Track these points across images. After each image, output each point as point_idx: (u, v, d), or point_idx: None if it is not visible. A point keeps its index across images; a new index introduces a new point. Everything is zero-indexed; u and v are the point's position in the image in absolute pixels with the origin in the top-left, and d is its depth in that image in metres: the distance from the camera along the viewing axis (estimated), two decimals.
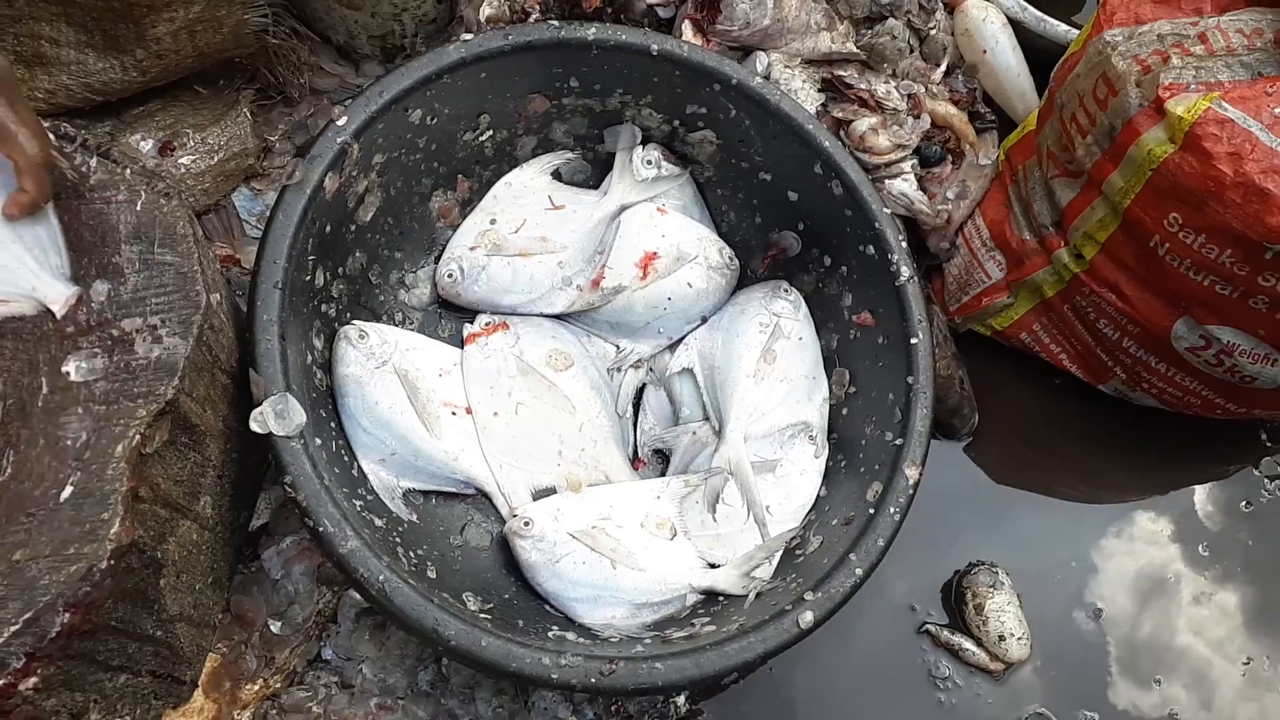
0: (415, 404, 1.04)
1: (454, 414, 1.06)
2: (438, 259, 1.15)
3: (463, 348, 1.11)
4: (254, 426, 0.86)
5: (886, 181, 1.18)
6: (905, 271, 1.05)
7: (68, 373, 0.77)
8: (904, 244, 1.07)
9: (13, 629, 0.68)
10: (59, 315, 0.80)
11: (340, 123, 0.96)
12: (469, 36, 1.02)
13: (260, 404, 0.86)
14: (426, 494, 1.05)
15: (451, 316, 1.15)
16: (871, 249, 1.07)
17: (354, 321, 1.04)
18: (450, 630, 0.85)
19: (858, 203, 1.07)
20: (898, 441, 1.01)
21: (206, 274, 0.84)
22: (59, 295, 0.80)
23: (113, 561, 0.73)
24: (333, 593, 1.01)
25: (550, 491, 1.07)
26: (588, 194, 1.18)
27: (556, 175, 1.19)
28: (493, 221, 1.14)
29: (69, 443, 0.75)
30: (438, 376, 1.07)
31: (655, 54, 1.06)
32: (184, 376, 0.79)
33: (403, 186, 1.08)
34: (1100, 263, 1.08)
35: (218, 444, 0.88)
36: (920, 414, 1.01)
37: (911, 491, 0.99)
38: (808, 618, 0.92)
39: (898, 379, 1.04)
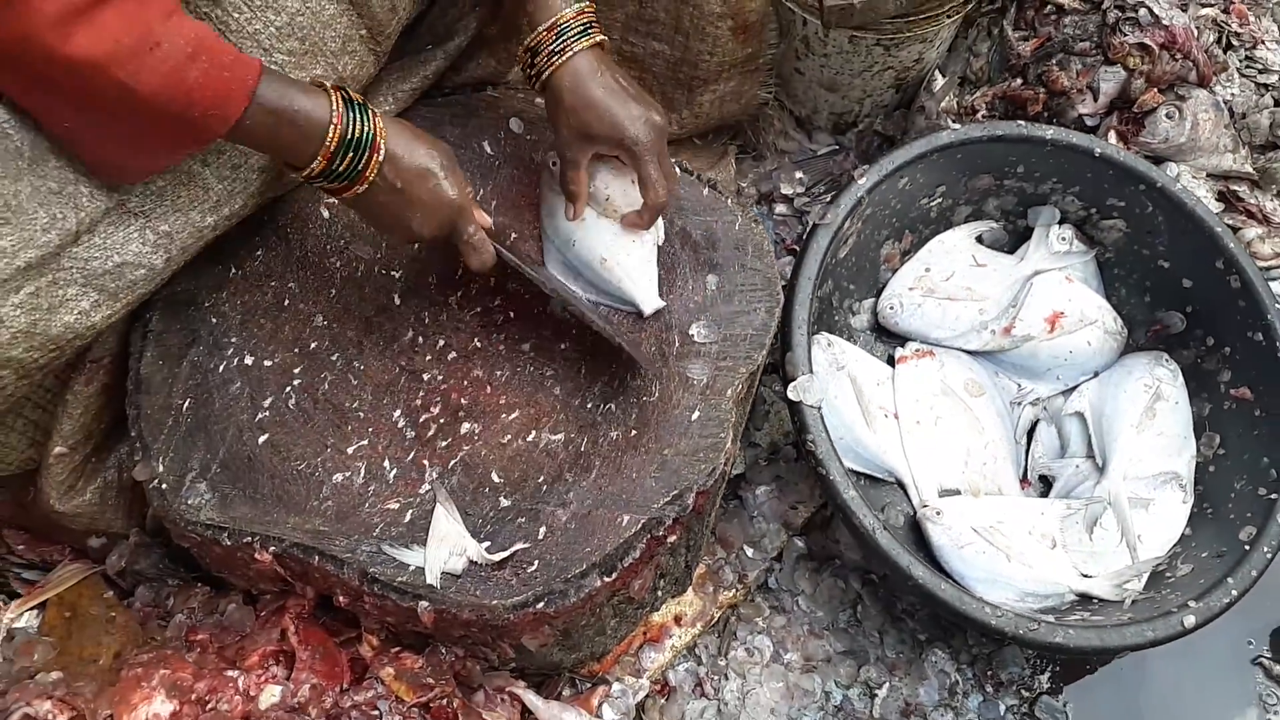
0: (860, 403, 1.32)
1: (886, 416, 1.33)
2: (878, 294, 1.43)
3: (893, 366, 1.39)
4: (791, 395, 1.16)
5: None
6: None
7: (693, 335, 1.09)
8: None
9: (666, 499, 0.99)
10: (645, 315, 1.11)
11: (861, 181, 1.26)
12: (958, 126, 1.31)
13: (795, 379, 1.16)
14: (858, 474, 1.32)
15: (883, 340, 1.43)
16: (1260, 336, 1.28)
17: (822, 332, 1.33)
18: (918, 571, 1.12)
19: (1253, 296, 1.28)
20: (1272, 496, 1.21)
21: (773, 279, 1.15)
22: (652, 304, 1.09)
23: (724, 467, 1.03)
24: (788, 535, 1.30)
25: (954, 492, 1.32)
26: (1004, 257, 1.44)
27: (978, 239, 1.46)
28: (927, 270, 1.42)
29: (695, 382, 1.07)
30: (875, 385, 1.35)
31: (1097, 155, 1.32)
32: (766, 351, 1.10)
33: (870, 235, 1.37)
34: None
35: (749, 404, 1.18)
36: None
37: None
38: (1190, 620, 1.13)
39: (1273, 446, 1.24)
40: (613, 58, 1.08)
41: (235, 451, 1.03)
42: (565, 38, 1.03)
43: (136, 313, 1.07)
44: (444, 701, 1.03)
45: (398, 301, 1.13)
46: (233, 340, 1.09)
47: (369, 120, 0.92)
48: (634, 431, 1.04)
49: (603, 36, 1.06)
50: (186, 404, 1.05)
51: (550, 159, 1.13)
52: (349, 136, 0.90)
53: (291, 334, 1.10)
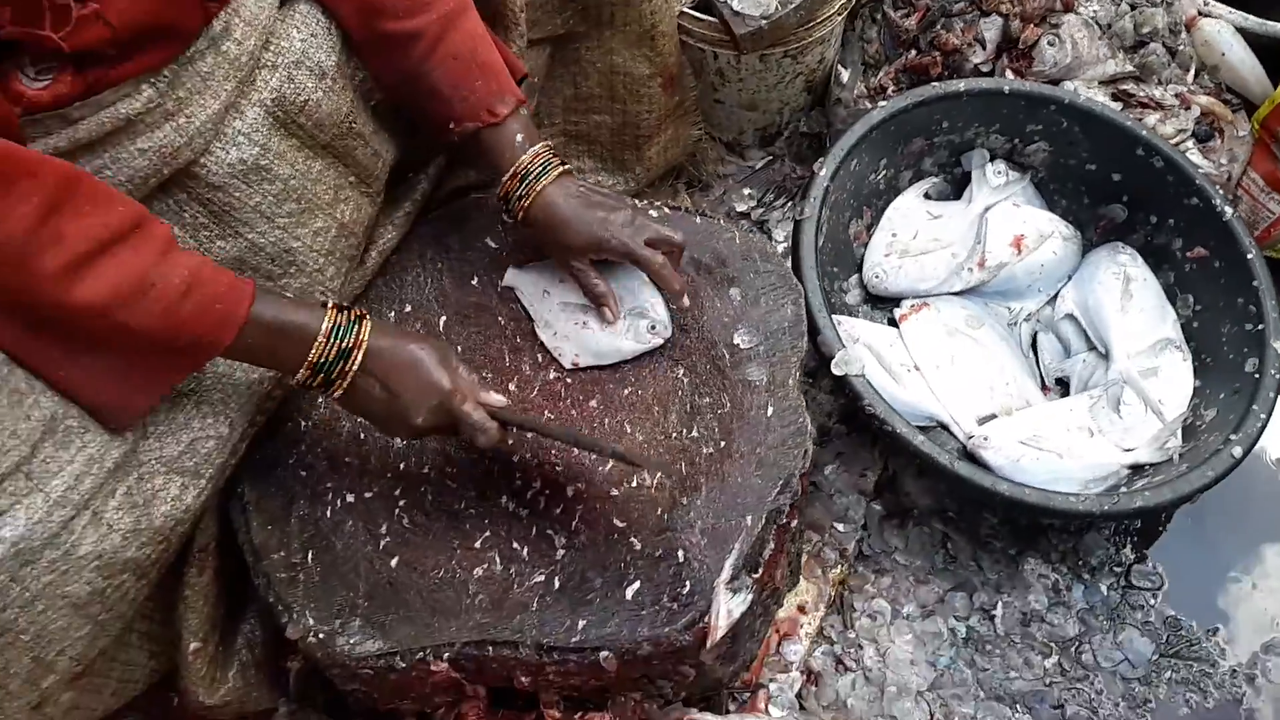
0: (884, 365, 1.43)
1: (909, 370, 1.45)
2: (859, 268, 1.56)
3: (897, 327, 1.50)
4: (835, 370, 1.26)
5: None
6: (1228, 210, 1.42)
7: (738, 344, 1.18)
8: (1220, 190, 1.44)
9: (776, 490, 1.07)
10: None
11: (821, 173, 1.39)
12: (885, 102, 1.45)
13: (834, 357, 1.26)
14: None
15: (879, 308, 1.55)
16: (1195, 199, 1.44)
17: (830, 315, 1.44)
18: (1003, 486, 1.22)
19: (1177, 169, 1.45)
20: (1260, 327, 1.35)
21: (788, 273, 1.25)
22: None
23: (810, 449, 1.12)
24: (866, 502, 1.38)
25: (991, 417, 1.44)
26: (954, 204, 1.58)
27: (926, 195, 1.60)
28: (894, 235, 1.55)
29: (757, 383, 1.15)
30: (889, 347, 1.46)
31: (1008, 92, 1.48)
32: (806, 337, 1.20)
33: (836, 219, 1.49)
34: None
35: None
36: (1271, 305, 1.36)
37: None
38: (1238, 450, 1.26)
39: (1243, 285, 1.39)
40: (578, 181, 1.17)
41: (374, 582, 1.07)
42: (528, 180, 1.13)
43: (227, 491, 1.11)
44: None
45: None
46: (329, 486, 1.14)
47: (354, 329, 0.97)
48: (723, 443, 1.12)
49: (565, 168, 1.16)
50: (310, 556, 1.09)
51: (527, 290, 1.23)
52: (331, 348, 0.95)
53: (379, 463, 1.15)
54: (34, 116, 0.85)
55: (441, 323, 1.23)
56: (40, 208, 0.75)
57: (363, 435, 1.17)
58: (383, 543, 1.10)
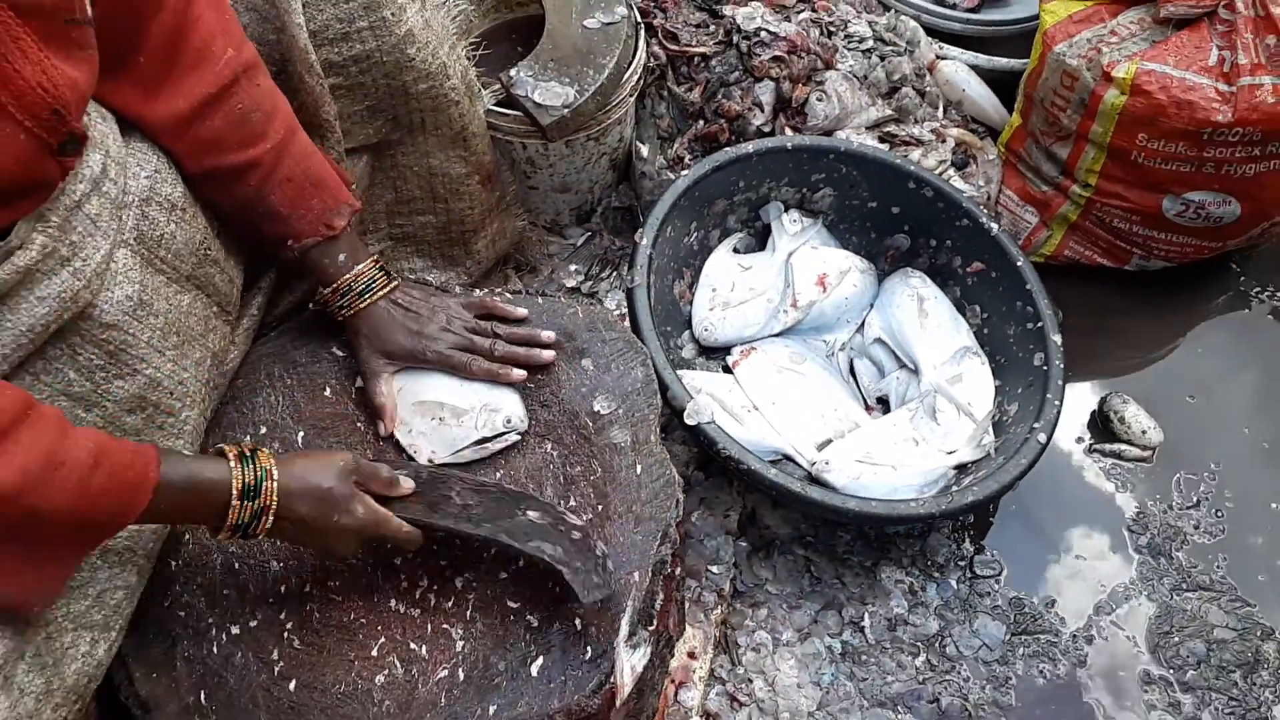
0: (727, 410, 1.53)
1: (749, 411, 1.55)
2: (688, 325, 1.66)
3: (729, 373, 1.61)
4: (689, 420, 1.34)
5: None
6: (994, 226, 1.61)
7: (598, 410, 1.25)
8: (984, 210, 1.63)
9: (657, 542, 1.14)
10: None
11: (643, 243, 1.48)
12: (685, 171, 1.57)
13: (684, 408, 1.35)
14: None
15: (713, 358, 1.66)
16: (966, 221, 1.63)
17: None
18: (853, 504, 1.33)
19: (946, 197, 1.63)
20: (1039, 324, 1.54)
21: (632, 338, 1.33)
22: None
23: (681, 498, 1.19)
24: (733, 541, 1.46)
25: (827, 443, 1.56)
26: (761, 255, 1.72)
27: (735, 250, 1.72)
28: (714, 290, 1.66)
29: (622, 445, 1.22)
30: (729, 392, 1.56)
31: (790, 148, 1.63)
32: (655, 393, 1.27)
33: (660, 282, 1.59)
34: (1102, 184, 1.67)
35: None
36: (1044, 303, 1.55)
37: (1062, 349, 1.51)
38: (1042, 437, 1.42)
39: (1018, 290, 1.58)
40: (403, 293, 1.23)
41: (275, 710, 1.05)
42: (349, 296, 1.19)
43: None
44: None
45: None
46: (210, 621, 1.11)
47: (263, 479, 0.97)
48: (600, 506, 1.17)
49: (390, 286, 1.21)
50: (202, 696, 1.06)
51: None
52: (245, 510, 0.96)
53: (257, 590, 1.14)
54: None
55: (300, 439, 1.23)
56: None
57: (236, 565, 1.15)
58: (277, 668, 1.08)
